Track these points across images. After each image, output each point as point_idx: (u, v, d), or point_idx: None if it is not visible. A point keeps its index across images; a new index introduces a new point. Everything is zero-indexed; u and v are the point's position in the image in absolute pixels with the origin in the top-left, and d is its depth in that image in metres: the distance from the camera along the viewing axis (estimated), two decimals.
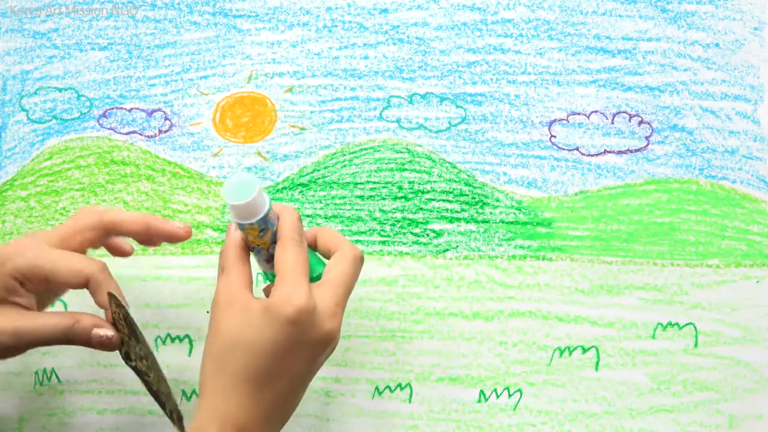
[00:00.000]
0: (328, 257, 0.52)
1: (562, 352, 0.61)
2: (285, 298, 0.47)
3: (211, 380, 0.48)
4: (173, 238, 0.53)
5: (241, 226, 0.49)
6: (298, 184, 0.63)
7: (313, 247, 0.53)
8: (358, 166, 0.63)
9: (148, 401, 0.60)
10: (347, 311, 0.61)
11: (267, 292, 0.53)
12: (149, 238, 0.53)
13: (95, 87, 0.65)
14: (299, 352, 0.48)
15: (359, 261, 0.52)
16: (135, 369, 0.50)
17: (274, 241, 0.50)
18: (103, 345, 0.50)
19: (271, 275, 0.51)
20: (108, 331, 0.50)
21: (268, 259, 0.51)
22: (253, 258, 0.51)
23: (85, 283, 0.49)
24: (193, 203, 0.63)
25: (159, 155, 0.64)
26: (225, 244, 0.51)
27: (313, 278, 0.50)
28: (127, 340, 0.49)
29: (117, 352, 0.50)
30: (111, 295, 0.49)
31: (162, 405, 0.50)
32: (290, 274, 0.48)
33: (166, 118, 0.64)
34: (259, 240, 0.50)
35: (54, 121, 0.65)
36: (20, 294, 0.50)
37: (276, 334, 0.47)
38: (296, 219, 0.51)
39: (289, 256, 0.49)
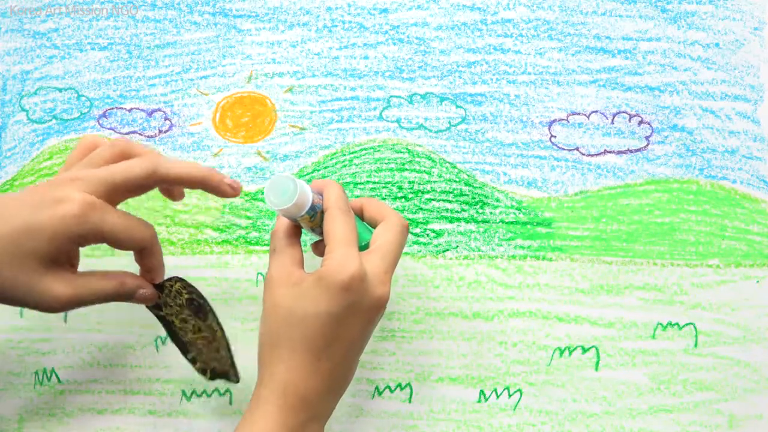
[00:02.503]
0: (374, 227, 0.53)
1: (562, 352, 0.61)
2: (337, 266, 0.48)
3: (269, 353, 0.49)
4: (224, 195, 0.53)
5: (294, 220, 0.51)
6: None
7: (360, 217, 0.54)
8: (358, 166, 0.63)
9: (148, 401, 0.60)
10: None
11: (318, 250, 0.55)
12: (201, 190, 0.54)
13: (95, 87, 0.65)
14: (354, 318, 0.49)
15: (405, 229, 0.53)
16: (161, 318, 0.55)
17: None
18: (145, 299, 0.52)
19: None
20: (147, 290, 0.52)
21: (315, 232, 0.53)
22: (305, 236, 0.53)
23: (140, 249, 0.51)
24: (193, 203, 0.63)
25: None
26: (275, 227, 0.52)
27: (362, 247, 0.52)
28: (165, 299, 0.54)
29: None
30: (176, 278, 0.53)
31: (186, 355, 0.55)
32: (340, 243, 0.49)
33: (166, 118, 0.64)
34: (312, 223, 0.51)
35: (54, 121, 0.65)
36: (76, 256, 0.51)
37: (330, 301, 0.48)
38: (341, 190, 0.52)
39: (337, 225, 0.50)
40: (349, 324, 0.49)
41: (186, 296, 0.54)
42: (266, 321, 0.50)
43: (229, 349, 0.55)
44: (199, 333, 0.55)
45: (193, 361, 0.55)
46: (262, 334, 0.50)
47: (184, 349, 0.55)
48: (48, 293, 0.48)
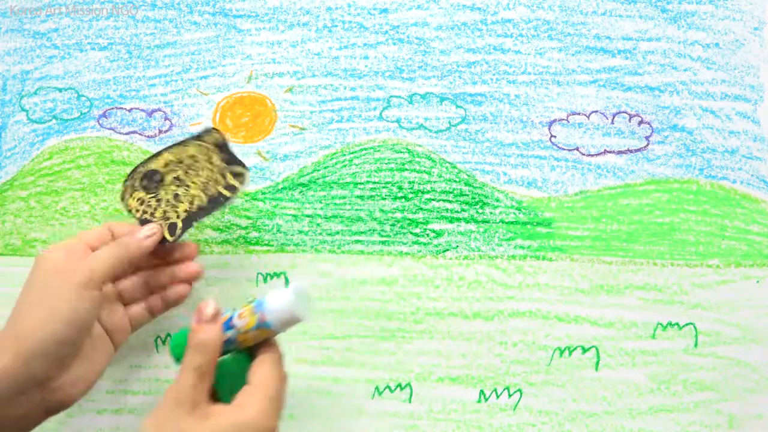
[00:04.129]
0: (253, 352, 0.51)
1: (562, 352, 0.61)
2: (257, 420, 0.46)
3: None
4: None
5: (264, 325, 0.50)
6: (298, 184, 0.63)
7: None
8: (358, 166, 0.63)
9: (148, 401, 0.60)
10: (347, 311, 0.61)
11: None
12: None
13: (95, 87, 0.65)
14: None
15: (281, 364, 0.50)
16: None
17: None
18: (158, 237, 0.55)
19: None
20: (147, 234, 0.54)
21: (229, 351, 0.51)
22: None
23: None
24: None
25: None
26: (209, 338, 0.49)
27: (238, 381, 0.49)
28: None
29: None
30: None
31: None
32: (262, 392, 0.47)
33: (166, 118, 0.64)
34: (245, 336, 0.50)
35: (54, 121, 0.65)
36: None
37: None
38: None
39: (269, 370, 0.49)
40: None
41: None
42: None
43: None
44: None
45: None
46: None
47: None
48: None
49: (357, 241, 0.62)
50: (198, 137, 0.58)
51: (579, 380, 0.60)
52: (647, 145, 0.63)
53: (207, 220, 0.62)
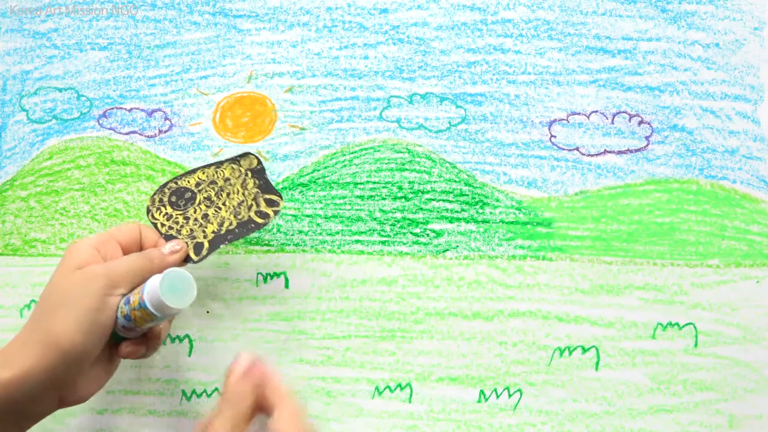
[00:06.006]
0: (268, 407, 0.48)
1: (562, 352, 0.61)
2: None
3: None
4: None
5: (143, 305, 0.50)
6: (298, 184, 0.63)
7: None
8: (358, 166, 0.63)
9: (148, 401, 0.60)
10: (347, 311, 0.61)
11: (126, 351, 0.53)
12: None
13: (95, 87, 0.65)
14: None
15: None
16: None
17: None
18: (182, 255, 0.54)
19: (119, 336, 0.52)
20: (174, 248, 0.54)
21: (130, 329, 0.51)
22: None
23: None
24: None
25: (159, 155, 0.64)
26: (243, 393, 0.46)
27: None
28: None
29: None
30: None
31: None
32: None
33: (166, 118, 0.64)
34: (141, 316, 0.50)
35: (54, 121, 0.65)
36: None
37: None
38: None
39: (289, 425, 0.45)
40: None
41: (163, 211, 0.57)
42: None
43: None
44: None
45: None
46: None
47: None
48: None
49: (357, 241, 0.62)
50: (234, 160, 0.58)
51: (579, 380, 0.60)
52: (647, 145, 0.63)
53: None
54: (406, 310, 0.61)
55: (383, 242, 0.62)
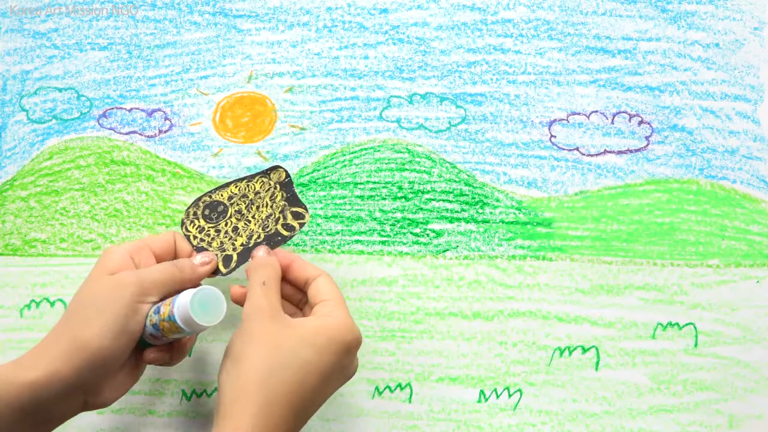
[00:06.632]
0: (303, 282, 0.55)
1: (562, 352, 0.61)
2: (343, 326, 0.50)
3: (239, 402, 0.47)
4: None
5: (173, 318, 0.50)
6: (298, 184, 0.63)
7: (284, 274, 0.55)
8: (358, 166, 0.63)
9: (148, 401, 0.60)
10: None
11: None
12: None
13: (95, 87, 0.65)
14: (338, 381, 0.51)
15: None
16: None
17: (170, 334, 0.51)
18: (212, 267, 0.55)
19: (145, 342, 0.53)
20: (205, 260, 0.55)
21: (158, 337, 0.51)
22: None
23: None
24: None
25: (159, 155, 0.64)
26: (266, 260, 0.53)
27: None
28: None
29: None
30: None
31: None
32: (339, 303, 0.52)
33: (166, 118, 0.64)
34: (171, 329, 0.51)
35: (54, 121, 0.65)
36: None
37: (331, 357, 0.49)
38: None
39: (335, 288, 0.53)
40: (333, 385, 0.50)
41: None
42: (242, 359, 0.48)
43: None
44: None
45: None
46: (229, 373, 0.48)
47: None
48: None
49: (357, 241, 0.62)
50: (265, 173, 0.59)
51: (579, 380, 0.60)
52: (647, 145, 0.63)
53: None
54: (406, 310, 0.61)
55: (383, 242, 0.62)
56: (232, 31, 0.65)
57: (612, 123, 0.63)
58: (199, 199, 0.59)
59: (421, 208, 0.62)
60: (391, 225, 0.62)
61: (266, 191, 0.58)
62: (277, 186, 0.58)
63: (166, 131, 0.64)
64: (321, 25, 0.65)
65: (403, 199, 0.63)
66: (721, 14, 0.64)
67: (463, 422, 0.60)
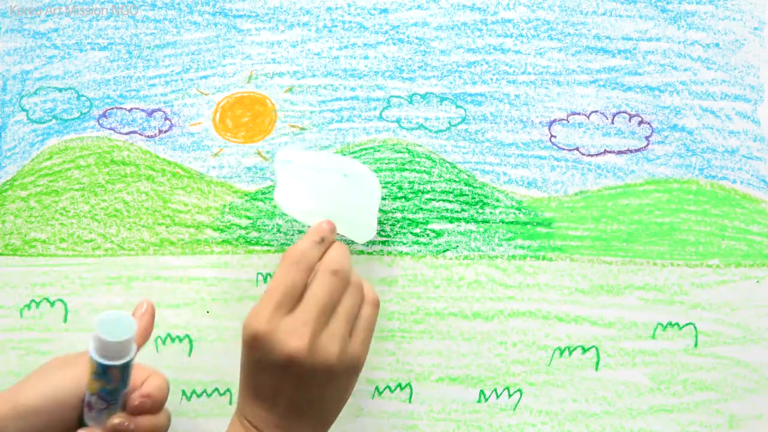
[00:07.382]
0: None
1: (562, 352, 0.61)
2: (246, 320, 0.51)
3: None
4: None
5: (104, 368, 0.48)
6: None
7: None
8: None
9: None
10: None
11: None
12: None
13: (95, 87, 0.65)
14: (264, 373, 0.50)
15: (335, 276, 0.52)
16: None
17: (107, 401, 0.49)
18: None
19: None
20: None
21: (92, 405, 0.50)
22: None
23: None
24: (193, 203, 0.63)
25: (159, 155, 0.64)
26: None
27: None
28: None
29: None
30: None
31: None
32: (263, 296, 0.52)
33: (166, 118, 0.64)
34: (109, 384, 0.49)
35: (54, 121, 0.65)
36: None
37: (245, 354, 0.51)
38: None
39: (277, 276, 0.52)
40: (262, 378, 0.50)
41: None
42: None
43: None
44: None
45: None
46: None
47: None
48: None
49: None
50: None
51: (579, 380, 0.60)
52: (647, 145, 0.63)
53: (207, 220, 0.63)
54: (406, 310, 0.61)
55: (383, 242, 0.62)
56: (232, 31, 0.65)
57: (612, 123, 0.63)
58: None
59: (421, 208, 0.62)
60: (391, 225, 0.62)
61: None
62: None
63: (166, 131, 0.64)
64: (321, 25, 0.65)
65: (403, 199, 0.63)
66: (721, 14, 0.64)
67: (463, 422, 0.60)
